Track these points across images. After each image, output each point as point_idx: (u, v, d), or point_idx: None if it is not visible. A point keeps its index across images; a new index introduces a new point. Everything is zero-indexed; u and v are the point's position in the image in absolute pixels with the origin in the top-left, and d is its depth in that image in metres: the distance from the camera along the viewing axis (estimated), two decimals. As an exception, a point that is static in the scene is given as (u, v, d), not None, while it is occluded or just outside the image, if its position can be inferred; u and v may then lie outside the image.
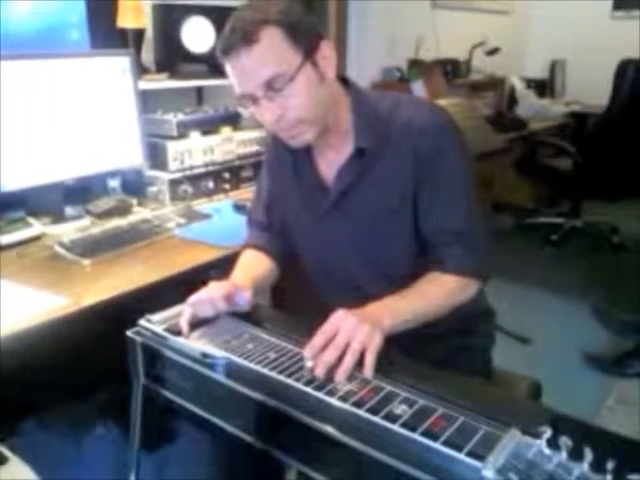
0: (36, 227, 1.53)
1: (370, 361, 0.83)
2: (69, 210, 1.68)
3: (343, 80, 1.08)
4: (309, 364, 0.83)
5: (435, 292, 1.03)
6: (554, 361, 2.17)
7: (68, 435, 1.57)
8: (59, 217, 1.65)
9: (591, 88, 4.27)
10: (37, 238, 1.52)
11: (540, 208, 4.04)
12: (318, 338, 0.85)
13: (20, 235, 1.48)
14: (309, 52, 0.96)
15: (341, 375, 0.81)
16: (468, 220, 1.05)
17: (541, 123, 3.94)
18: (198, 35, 2.11)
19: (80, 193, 1.72)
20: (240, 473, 1.15)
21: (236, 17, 0.96)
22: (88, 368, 1.38)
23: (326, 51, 0.99)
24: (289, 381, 0.81)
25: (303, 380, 0.81)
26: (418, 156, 1.02)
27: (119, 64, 1.72)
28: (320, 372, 0.81)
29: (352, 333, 0.84)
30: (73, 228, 1.59)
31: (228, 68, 0.97)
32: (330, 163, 1.10)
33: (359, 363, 0.83)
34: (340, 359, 0.82)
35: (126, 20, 1.93)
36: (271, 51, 0.93)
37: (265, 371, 0.83)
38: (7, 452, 0.69)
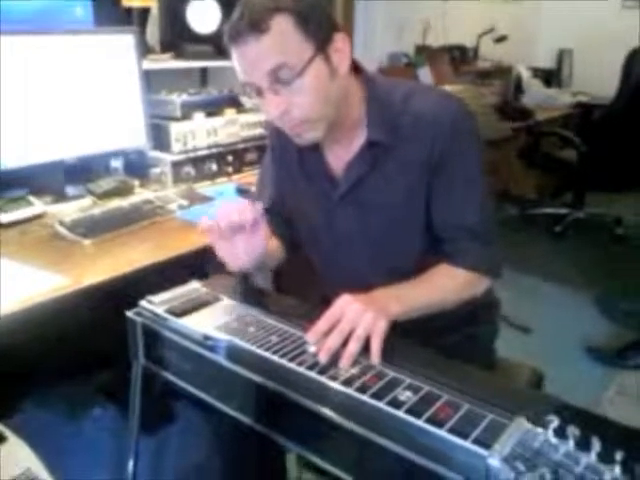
0: (37, 206, 1.51)
1: (376, 348, 0.81)
2: (70, 189, 1.66)
3: (355, 67, 1.02)
4: (312, 349, 0.82)
5: (446, 284, 1.02)
6: (555, 351, 2.16)
7: (66, 415, 1.57)
8: (60, 196, 1.64)
9: (598, 79, 4.23)
10: (38, 217, 1.50)
11: (544, 199, 4.02)
12: (322, 323, 0.84)
13: (21, 214, 1.46)
14: (321, 44, 0.91)
15: (346, 361, 0.79)
16: (483, 215, 1.03)
17: (547, 113, 3.91)
18: (204, 15, 2.08)
19: (82, 173, 1.70)
20: (240, 455, 1.15)
21: (246, 3, 0.90)
22: (87, 348, 1.38)
23: (340, 44, 0.94)
24: (291, 365, 0.80)
25: (306, 364, 0.80)
26: (432, 149, 0.98)
27: (123, 42, 1.69)
28: (324, 357, 0.80)
29: (357, 319, 0.83)
30: (74, 208, 1.58)
31: (234, 54, 0.92)
32: (340, 155, 1.06)
33: (364, 349, 0.82)
34: (344, 345, 0.81)
35: (131, -2, 1.90)
36: (281, 41, 0.88)
37: (267, 354, 0.82)
38: (6, 431, 0.68)
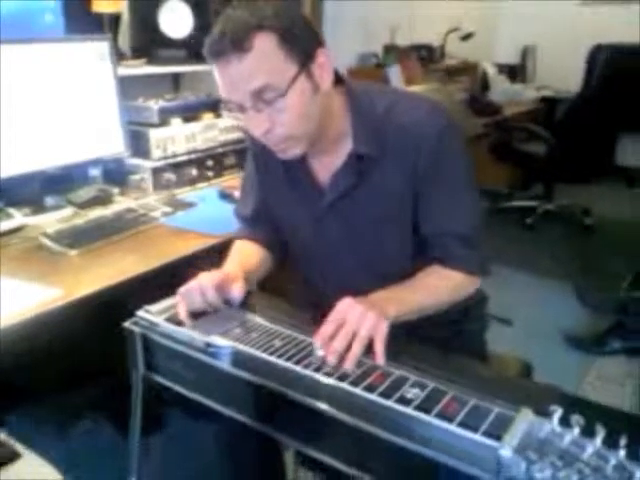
0: (17, 218, 1.49)
1: (380, 349, 0.83)
2: (49, 200, 1.63)
3: (336, 77, 1.00)
4: (320, 353, 0.83)
5: (439, 285, 1.04)
6: (535, 341, 2.22)
7: (55, 428, 1.55)
8: (39, 207, 1.61)
9: (561, 73, 4.35)
10: (18, 229, 1.47)
11: (514, 192, 4.10)
12: (327, 327, 0.85)
13: (1, 226, 1.43)
14: (304, 61, 0.90)
15: (349, 363, 0.81)
16: (470, 221, 1.05)
17: (514, 108, 3.99)
18: (176, 20, 2.07)
19: (60, 183, 1.67)
20: (239, 455, 1.15)
21: (227, 18, 0.89)
22: (80, 360, 1.36)
23: (322, 59, 0.93)
24: (297, 368, 0.81)
25: (312, 367, 0.81)
26: (419, 160, 0.99)
27: (97, 49, 1.67)
28: (332, 360, 0.81)
29: (359, 321, 0.84)
30: (55, 219, 1.55)
31: (215, 71, 0.91)
32: (325, 166, 1.06)
33: (367, 350, 0.83)
34: (348, 347, 0.82)
35: (102, 4, 1.88)
36: (263, 61, 0.87)
37: (272, 359, 0.83)
38: (20, 447, 0.67)
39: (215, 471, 1.22)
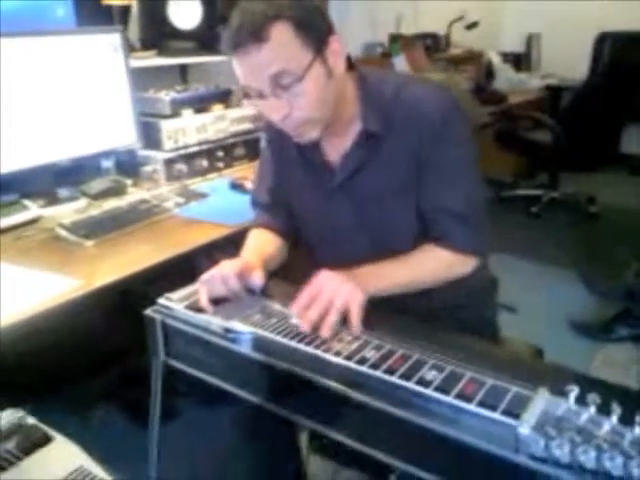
0: (33, 210, 1.51)
1: (355, 318, 0.87)
2: (63, 192, 1.65)
3: (348, 63, 1.05)
4: (294, 321, 0.88)
5: (428, 263, 1.06)
6: (542, 328, 2.23)
7: (71, 418, 1.58)
8: (53, 199, 1.63)
9: (566, 61, 4.34)
10: (34, 221, 1.49)
11: (519, 181, 4.10)
12: (303, 297, 0.90)
13: (17, 218, 1.46)
14: (319, 48, 0.94)
15: (324, 330, 0.85)
16: (468, 201, 1.06)
17: (519, 96, 3.99)
18: (185, 12, 2.08)
19: (73, 174, 1.69)
20: (253, 445, 1.18)
21: (244, 9, 0.92)
22: (98, 348, 1.38)
23: (335, 45, 0.97)
24: (318, 352, 0.83)
25: (332, 350, 0.83)
26: (422, 138, 1.02)
27: (109, 41, 1.69)
28: (306, 328, 0.86)
29: (335, 291, 0.89)
30: (69, 210, 1.57)
31: (234, 61, 0.94)
32: (336, 145, 1.10)
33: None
34: (324, 316, 0.87)
35: (112, -4, 1.89)
36: (281, 49, 0.91)
37: (293, 343, 0.85)
38: (51, 431, 0.69)
39: (230, 459, 1.24)
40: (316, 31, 0.94)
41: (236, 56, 0.93)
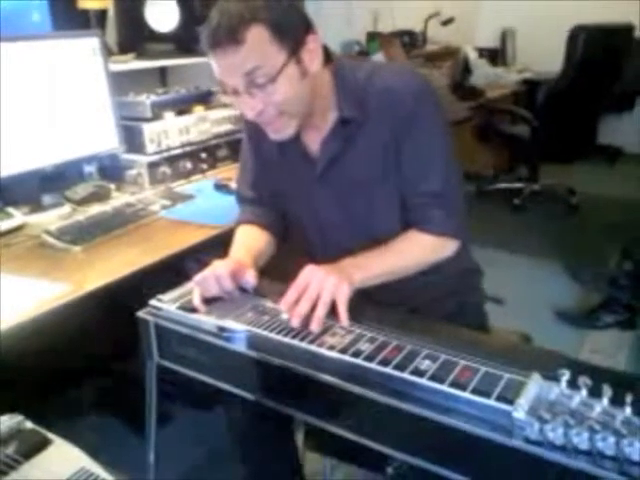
0: (17, 217, 1.49)
1: (342, 310, 0.90)
2: (46, 198, 1.64)
3: (326, 55, 1.06)
4: (285, 317, 0.90)
5: (411, 250, 1.08)
6: (528, 319, 2.26)
7: (62, 424, 1.57)
8: (37, 206, 1.61)
9: (541, 55, 4.39)
10: (19, 228, 1.48)
11: (499, 174, 4.15)
12: (291, 292, 0.91)
13: (2, 226, 1.44)
14: (294, 49, 0.96)
15: (314, 324, 0.87)
16: (445, 183, 1.08)
17: (496, 91, 4.03)
18: (162, 14, 2.07)
19: (56, 181, 1.67)
20: (250, 446, 1.18)
21: (222, 10, 0.94)
22: (88, 352, 1.37)
23: (312, 45, 0.99)
24: (312, 347, 0.84)
25: (326, 345, 0.84)
26: (397, 121, 1.04)
27: (88, 46, 1.67)
28: (295, 323, 0.88)
29: (321, 285, 0.91)
30: (54, 216, 1.56)
31: (211, 58, 0.96)
32: (314, 135, 1.11)
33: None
34: (313, 310, 0.88)
35: (88, 1, 1.87)
36: (256, 51, 0.93)
37: (287, 340, 0.86)
38: (50, 434, 0.69)
39: (227, 459, 1.24)
40: (292, 32, 0.96)
41: (213, 54, 0.95)
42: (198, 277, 0.99)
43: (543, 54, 4.26)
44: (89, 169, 1.76)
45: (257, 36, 0.92)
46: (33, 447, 0.67)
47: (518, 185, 3.88)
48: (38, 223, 1.51)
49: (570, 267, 2.77)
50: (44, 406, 1.32)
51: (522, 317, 2.30)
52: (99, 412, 1.61)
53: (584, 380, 0.69)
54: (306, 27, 0.99)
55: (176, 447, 1.43)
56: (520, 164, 4.17)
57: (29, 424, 0.72)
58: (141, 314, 0.98)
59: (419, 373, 0.76)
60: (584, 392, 0.68)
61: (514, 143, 3.82)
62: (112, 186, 1.75)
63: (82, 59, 1.66)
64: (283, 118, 1.01)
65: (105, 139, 1.72)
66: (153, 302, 0.99)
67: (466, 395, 0.72)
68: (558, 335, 2.28)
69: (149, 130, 1.75)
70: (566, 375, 0.70)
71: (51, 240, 1.36)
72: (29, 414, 0.74)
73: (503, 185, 3.98)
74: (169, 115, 1.83)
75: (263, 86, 0.95)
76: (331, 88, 1.07)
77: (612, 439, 0.62)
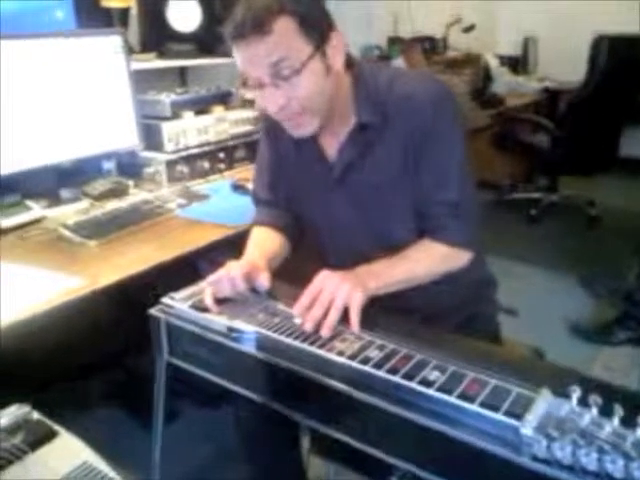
0: (36, 210, 1.51)
1: (354, 317, 0.89)
2: (65, 193, 1.66)
3: (347, 59, 1.06)
4: (297, 321, 0.90)
5: (424, 258, 1.07)
6: (541, 332, 2.23)
7: (71, 416, 1.58)
8: (55, 200, 1.64)
9: (563, 64, 4.35)
10: (37, 221, 1.50)
11: (518, 184, 4.11)
12: (305, 297, 0.91)
13: (20, 218, 1.46)
14: (319, 43, 0.96)
15: (326, 330, 0.87)
16: (461, 193, 1.07)
17: (517, 99, 4.01)
18: (184, 14, 2.09)
19: (75, 176, 1.70)
20: (255, 447, 1.18)
21: (248, 1, 0.94)
22: (97, 348, 1.38)
23: (335, 42, 0.99)
24: (321, 352, 0.84)
25: (335, 350, 0.84)
26: (416, 129, 1.04)
27: (111, 44, 1.69)
28: (308, 327, 0.88)
29: (335, 291, 0.90)
30: (72, 210, 1.58)
31: (236, 50, 0.96)
32: (332, 140, 1.11)
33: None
34: (326, 315, 0.88)
35: (112, -1, 1.90)
36: (282, 42, 0.93)
37: (297, 343, 0.86)
38: (56, 426, 0.70)
39: (232, 458, 1.24)
40: (317, 26, 0.96)
41: (238, 45, 0.95)
42: (212, 277, 1.00)
43: (565, 63, 4.22)
44: (108, 165, 1.78)
45: (284, 27, 0.92)
46: (39, 438, 0.68)
47: (536, 195, 3.84)
48: (56, 217, 1.53)
49: (586, 281, 2.73)
50: (54, 398, 1.33)
51: (535, 329, 2.28)
52: (109, 406, 1.63)
53: (595, 398, 0.67)
54: (329, 24, 1.00)
55: (183, 444, 1.43)
56: (539, 174, 4.13)
57: (36, 415, 0.72)
58: (152, 311, 0.99)
59: (427, 383, 0.75)
60: (595, 410, 0.67)
61: (534, 153, 3.78)
62: (130, 183, 1.77)
63: (104, 57, 1.68)
64: (305, 115, 1.00)
65: (124, 136, 1.74)
66: (165, 300, 1.00)
67: (474, 408, 0.71)
68: (571, 349, 2.25)
69: (168, 129, 1.76)
70: (577, 392, 0.69)
71: (68, 234, 1.37)
72: (39, 405, 0.75)
73: (521, 195, 3.95)
74: (188, 115, 1.85)
75: (288, 78, 0.95)
76: (351, 93, 1.07)
77: (621, 462, 0.61)
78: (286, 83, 0.96)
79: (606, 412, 0.66)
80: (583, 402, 0.68)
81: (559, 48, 4.51)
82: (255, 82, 0.98)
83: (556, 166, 3.72)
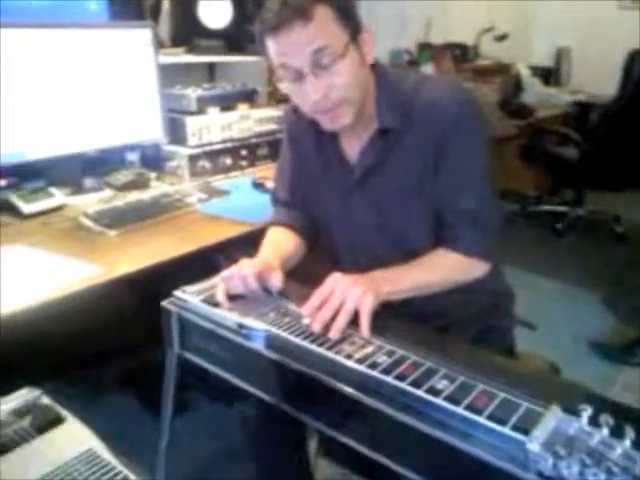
0: (58, 197, 1.53)
1: (364, 321, 0.87)
2: (88, 182, 1.68)
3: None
4: (306, 321, 0.89)
5: (440, 266, 1.06)
6: (560, 348, 2.19)
7: (86, 400, 1.60)
8: (78, 188, 1.66)
9: (596, 77, 4.28)
10: (59, 208, 1.52)
11: (543, 196, 4.06)
12: (315, 298, 0.90)
13: (43, 205, 1.48)
14: (354, 35, 0.98)
15: (334, 332, 0.86)
16: (481, 202, 1.06)
17: (546, 111, 3.95)
18: (215, 10, 2.10)
19: (98, 165, 1.72)
20: (262, 444, 1.18)
21: None
22: (114, 335, 1.40)
23: (366, 37, 1.01)
24: (330, 354, 0.83)
25: (344, 353, 0.83)
26: (438, 135, 1.03)
27: (140, 37, 1.71)
28: (316, 328, 0.87)
29: (346, 294, 0.89)
30: (94, 200, 1.60)
31: (273, 40, 0.96)
32: (354, 142, 1.11)
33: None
34: (335, 318, 0.87)
35: (145, -8, 1.92)
36: (324, 28, 0.94)
37: (305, 343, 0.85)
38: (64, 412, 0.70)
39: (237, 455, 1.24)
40: (352, 19, 0.98)
41: (277, 34, 0.95)
42: (224, 273, 1.00)
43: (599, 76, 4.15)
44: (131, 157, 1.80)
45: (323, 14, 0.94)
46: (46, 423, 0.69)
47: (562, 209, 3.78)
48: (77, 205, 1.55)
49: (609, 298, 2.68)
50: (68, 383, 1.35)
51: (554, 345, 2.24)
52: (122, 394, 1.64)
53: (606, 418, 0.66)
54: (360, 19, 1.01)
55: (191, 437, 1.43)
56: (565, 187, 4.07)
57: (46, 399, 0.73)
58: (165, 304, 0.99)
59: (435, 392, 0.74)
60: (605, 431, 0.65)
61: (561, 165, 3.72)
62: (152, 175, 1.78)
63: (134, 49, 1.70)
64: (343, 106, 1.00)
65: (149, 129, 1.76)
66: (177, 293, 1.00)
67: (481, 420, 0.69)
68: (590, 367, 2.21)
69: (192, 123, 1.77)
70: (588, 411, 0.67)
71: (88, 222, 1.39)
72: (52, 390, 0.75)
73: (546, 207, 3.89)
74: (213, 110, 1.86)
75: (328, 67, 0.95)
76: (374, 97, 1.07)
77: (630, 485, 0.59)
78: (326, 72, 0.96)
79: (617, 433, 0.64)
80: (594, 421, 0.66)
81: (593, 61, 4.44)
82: (294, 74, 0.98)
83: (584, 180, 3.66)
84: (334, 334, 0.86)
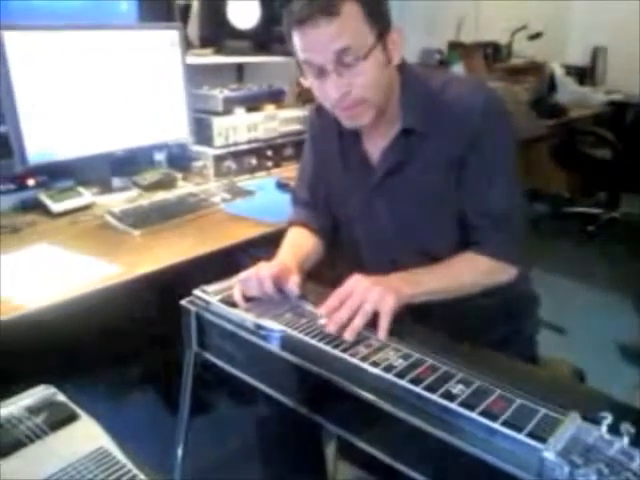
0: (86, 196, 1.56)
1: (384, 323, 0.86)
2: (116, 181, 1.71)
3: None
4: (322, 321, 0.88)
5: (466, 271, 1.04)
6: (588, 352, 2.15)
7: (106, 398, 1.62)
8: (106, 188, 1.69)
9: (632, 77, 4.17)
10: (87, 207, 1.55)
11: (576, 197, 3.98)
12: (333, 299, 0.89)
13: (71, 203, 1.52)
14: (382, 34, 0.97)
15: (349, 333, 0.85)
16: (508, 205, 1.04)
17: (580, 111, 3.86)
18: (244, 11, 2.11)
19: (126, 165, 1.75)
20: (278, 445, 1.18)
21: None
22: (132, 335, 1.41)
23: (395, 36, 1.00)
24: (345, 356, 0.82)
25: (359, 356, 0.82)
26: (465, 137, 1.01)
27: (168, 37, 1.73)
28: (331, 329, 0.86)
29: (365, 295, 0.88)
30: (121, 199, 1.63)
31: (299, 35, 0.96)
32: (377, 142, 1.10)
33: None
34: (352, 319, 0.86)
35: (175, -7, 1.94)
36: (350, 26, 0.93)
37: (321, 345, 0.85)
38: (78, 410, 0.71)
39: (255, 455, 1.24)
40: (381, 18, 0.97)
41: (302, 29, 0.94)
42: (242, 275, 1.00)
43: (635, 76, 4.05)
44: (159, 157, 1.82)
45: (351, 11, 0.93)
46: (60, 420, 0.69)
47: (595, 211, 3.70)
48: (105, 204, 1.58)
49: (639, 303, 2.61)
50: (87, 381, 1.38)
51: (582, 348, 2.19)
52: (142, 392, 1.66)
53: (627, 427, 0.64)
54: (390, 19, 1.00)
55: (208, 437, 1.44)
56: (597, 189, 3.97)
57: (61, 397, 0.74)
58: (184, 303, 1.00)
59: (450, 397, 0.73)
60: (625, 440, 0.63)
61: (594, 166, 3.65)
62: (179, 175, 1.81)
63: (162, 50, 1.72)
64: (363, 105, 1.00)
65: (176, 129, 1.78)
66: (196, 292, 1.01)
67: (496, 426, 0.68)
68: (618, 371, 2.16)
69: (218, 124, 1.79)
70: (608, 419, 0.65)
71: (113, 221, 1.41)
72: (66, 388, 0.76)
73: (579, 209, 3.81)
74: (239, 111, 1.87)
75: (351, 66, 0.95)
76: (398, 97, 1.06)
77: (649, 497, 0.57)
78: (348, 71, 0.95)
79: (638, 443, 0.62)
80: (614, 430, 0.64)
81: (629, 60, 4.33)
82: (317, 70, 0.97)
83: (618, 182, 3.58)
84: (348, 335, 0.85)
